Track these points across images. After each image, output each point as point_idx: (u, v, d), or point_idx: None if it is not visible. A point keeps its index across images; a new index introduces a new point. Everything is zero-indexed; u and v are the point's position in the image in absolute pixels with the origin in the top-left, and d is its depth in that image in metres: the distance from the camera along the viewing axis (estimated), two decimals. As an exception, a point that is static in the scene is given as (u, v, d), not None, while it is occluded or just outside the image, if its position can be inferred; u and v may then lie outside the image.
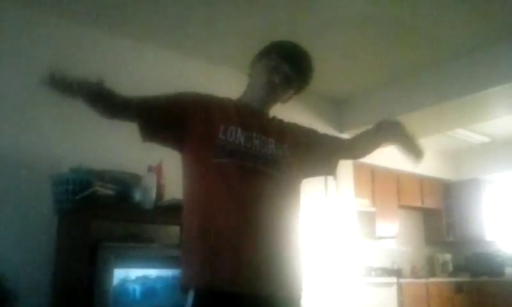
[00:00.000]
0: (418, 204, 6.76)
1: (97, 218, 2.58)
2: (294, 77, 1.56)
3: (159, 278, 2.74)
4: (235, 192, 1.37)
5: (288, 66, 1.53)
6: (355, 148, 1.76)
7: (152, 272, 2.74)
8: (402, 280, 5.75)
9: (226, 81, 4.00)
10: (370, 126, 1.65)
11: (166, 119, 1.47)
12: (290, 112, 4.72)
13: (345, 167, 4.88)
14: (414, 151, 1.57)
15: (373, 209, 6.04)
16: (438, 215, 7.06)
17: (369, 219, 6.00)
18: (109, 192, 2.62)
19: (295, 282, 1.41)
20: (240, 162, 1.40)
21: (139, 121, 1.44)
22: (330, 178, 4.71)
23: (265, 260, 1.33)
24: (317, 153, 1.65)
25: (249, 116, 1.53)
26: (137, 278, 2.70)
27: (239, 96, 1.63)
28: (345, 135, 4.88)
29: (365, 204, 5.88)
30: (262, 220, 1.36)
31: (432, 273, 6.75)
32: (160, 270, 2.74)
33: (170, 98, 1.51)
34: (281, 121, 1.67)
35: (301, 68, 1.57)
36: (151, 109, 1.47)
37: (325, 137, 1.72)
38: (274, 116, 1.66)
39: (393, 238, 6.53)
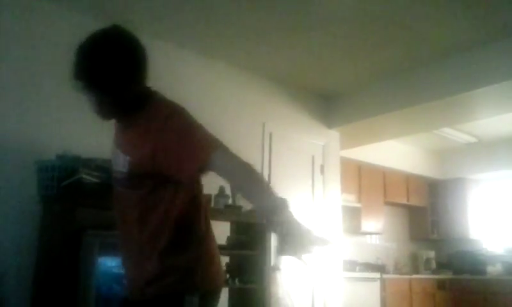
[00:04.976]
0: (404, 201, 6.83)
1: (82, 206, 2.57)
2: (75, 79, 1.38)
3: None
4: None
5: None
6: None
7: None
8: (385, 276, 5.82)
9: (223, 75, 4.00)
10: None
11: None
12: (280, 107, 4.71)
13: (333, 162, 4.90)
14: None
15: (359, 205, 6.10)
16: (423, 213, 7.13)
17: (355, 214, 6.06)
18: (95, 179, 2.60)
19: None
20: None
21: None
22: (317, 174, 4.73)
23: None
24: None
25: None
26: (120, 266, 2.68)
27: None
28: (333, 131, 4.90)
29: (351, 199, 5.92)
30: None
31: (415, 269, 6.84)
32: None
33: None
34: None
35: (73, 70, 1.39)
36: None
37: None
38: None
39: (378, 234, 6.60)
